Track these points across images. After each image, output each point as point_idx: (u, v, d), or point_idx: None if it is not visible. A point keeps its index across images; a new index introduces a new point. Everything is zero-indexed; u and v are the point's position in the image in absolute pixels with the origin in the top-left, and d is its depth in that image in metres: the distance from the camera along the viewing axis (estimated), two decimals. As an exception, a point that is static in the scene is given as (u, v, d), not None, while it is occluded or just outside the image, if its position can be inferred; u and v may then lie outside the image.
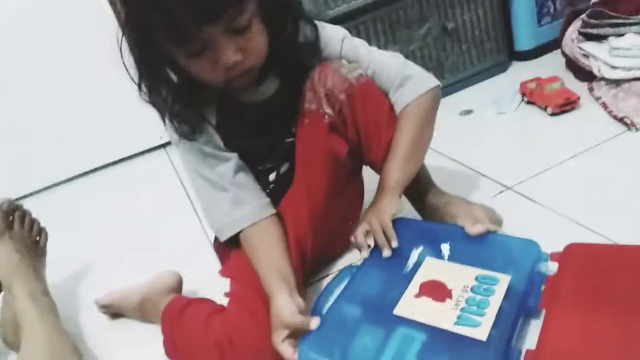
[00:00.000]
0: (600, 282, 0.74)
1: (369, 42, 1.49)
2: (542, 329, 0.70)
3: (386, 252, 0.87)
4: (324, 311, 0.82)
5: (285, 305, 0.76)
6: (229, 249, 0.94)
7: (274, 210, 0.91)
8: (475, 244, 0.86)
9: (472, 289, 0.78)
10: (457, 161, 1.29)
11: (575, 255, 0.79)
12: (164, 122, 0.89)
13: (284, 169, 0.97)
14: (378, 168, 0.96)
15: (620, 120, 1.23)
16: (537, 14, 1.70)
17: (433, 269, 0.84)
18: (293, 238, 0.91)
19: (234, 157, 0.91)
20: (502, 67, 1.74)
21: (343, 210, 1.01)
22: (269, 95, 0.91)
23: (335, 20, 1.44)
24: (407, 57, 1.51)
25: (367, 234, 0.90)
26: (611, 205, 0.98)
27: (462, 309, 0.75)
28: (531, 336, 0.74)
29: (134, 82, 0.82)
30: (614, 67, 1.37)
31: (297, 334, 0.76)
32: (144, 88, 0.83)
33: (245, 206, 0.89)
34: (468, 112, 1.54)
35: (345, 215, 1.02)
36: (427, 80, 0.95)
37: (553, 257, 0.81)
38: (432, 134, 0.97)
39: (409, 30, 1.56)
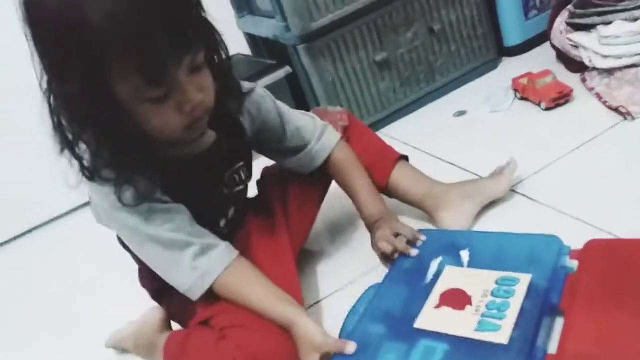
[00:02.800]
0: (622, 280, 0.71)
1: (357, 51, 1.51)
2: (563, 331, 0.68)
3: (413, 252, 0.91)
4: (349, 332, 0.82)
5: (315, 328, 0.77)
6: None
7: (237, 251, 0.88)
8: (495, 246, 0.86)
9: (492, 293, 0.77)
10: (454, 164, 1.28)
11: (596, 253, 0.77)
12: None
13: (231, 213, 0.98)
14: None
15: (616, 110, 1.22)
16: (523, 7, 1.68)
17: (453, 277, 0.83)
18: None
19: (183, 207, 0.85)
20: (492, 65, 1.72)
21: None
22: (208, 147, 0.90)
23: (320, 32, 1.44)
24: (396, 61, 1.54)
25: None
26: (612, 200, 0.96)
27: (482, 314, 0.74)
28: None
29: (80, 164, 0.76)
30: (604, 56, 1.35)
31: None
32: (92, 165, 0.77)
33: (212, 253, 0.84)
34: (462, 113, 1.52)
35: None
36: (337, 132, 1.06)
37: (573, 255, 0.79)
38: None
39: (396, 35, 1.55)
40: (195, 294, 0.85)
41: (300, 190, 1.07)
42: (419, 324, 0.77)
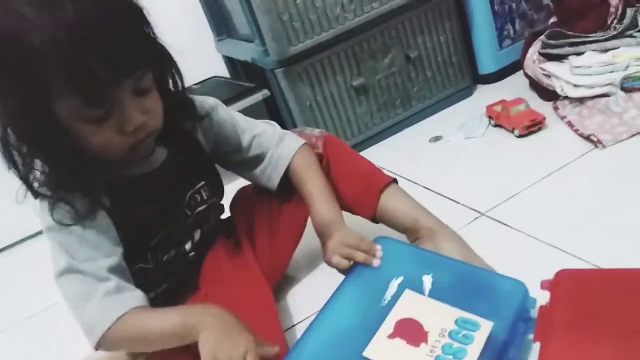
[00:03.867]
0: (594, 311, 0.70)
1: (335, 76, 1.52)
2: (539, 363, 0.67)
3: (375, 262, 0.86)
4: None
5: None
6: None
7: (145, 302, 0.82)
8: (461, 279, 0.82)
9: (450, 334, 0.73)
10: (428, 189, 1.29)
11: (567, 282, 0.76)
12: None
13: (197, 236, 0.97)
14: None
15: (587, 138, 1.24)
16: (497, 37, 1.72)
17: (411, 305, 0.79)
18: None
19: (118, 254, 0.81)
20: (467, 92, 1.75)
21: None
22: (159, 165, 0.90)
23: (298, 57, 1.45)
24: (373, 87, 1.55)
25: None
26: (583, 226, 0.98)
27: (436, 357, 0.71)
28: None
29: (25, 181, 0.76)
30: (576, 86, 1.38)
31: None
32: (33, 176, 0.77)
33: (126, 292, 0.79)
34: (437, 138, 1.54)
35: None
36: (298, 138, 1.03)
37: (543, 285, 0.77)
38: None
39: (374, 61, 1.57)
40: (94, 333, 0.78)
41: (273, 211, 1.05)
42: (368, 352, 0.73)
